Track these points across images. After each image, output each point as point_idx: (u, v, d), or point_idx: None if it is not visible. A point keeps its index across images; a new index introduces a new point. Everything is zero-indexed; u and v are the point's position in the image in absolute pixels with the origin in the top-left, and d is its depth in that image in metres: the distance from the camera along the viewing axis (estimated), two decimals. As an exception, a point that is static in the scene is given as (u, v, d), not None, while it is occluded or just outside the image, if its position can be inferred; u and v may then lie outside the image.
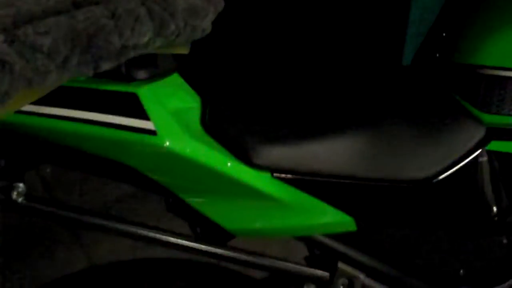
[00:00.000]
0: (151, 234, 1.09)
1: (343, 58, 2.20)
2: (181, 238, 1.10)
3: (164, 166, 1.00)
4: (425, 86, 1.22)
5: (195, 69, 1.14)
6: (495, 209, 1.15)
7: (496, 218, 1.16)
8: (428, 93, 1.19)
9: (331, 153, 1.07)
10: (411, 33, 2.21)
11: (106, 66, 0.85)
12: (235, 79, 1.23)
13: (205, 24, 0.95)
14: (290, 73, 1.29)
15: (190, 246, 1.11)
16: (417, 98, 1.19)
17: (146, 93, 0.94)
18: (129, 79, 0.94)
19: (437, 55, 1.27)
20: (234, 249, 1.13)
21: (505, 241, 1.22)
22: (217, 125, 1.04)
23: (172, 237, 1.10)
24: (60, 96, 0.92)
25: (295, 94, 1.18)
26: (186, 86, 1.06)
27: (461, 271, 1.23)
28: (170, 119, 0.96)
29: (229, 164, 1.02)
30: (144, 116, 0.93)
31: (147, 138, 0.94)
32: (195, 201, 1.07)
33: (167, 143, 0.95)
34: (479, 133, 1.13)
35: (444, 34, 1.31)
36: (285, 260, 1.15)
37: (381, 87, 1.23)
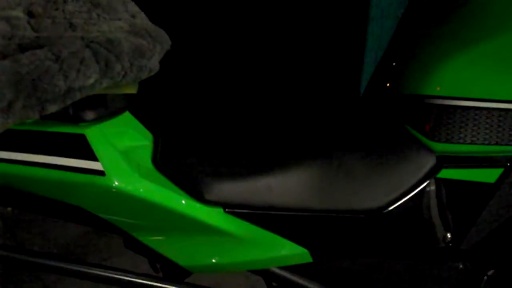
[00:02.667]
0: (111, 274, 1.09)
1: (300, 88, 2.21)
2: (140, 277, 1.10)
3: (114, 206, 1.00)
4: (377, 118, 1.23)
5: (147, 107, 1.14)
6: (448, 235, 1.16)
7: (450, 245, 1.17)
8: (380, 125, 1.21)
9: (282, 187, 1.08)
10: (368, 62, 2.24)
11: (52, 108, 0.85)
12: (186, 116, 1.24)
13: (152, 64, 0.96)
14: (241, 108, 1.30)
15: (149, 284, 1.10)
16: (369, 129, 1.20)
17: (94, 134, 0.94)
18: (77, 120, 0.94)
19: (387, 85, 1.29)
20: (191, 285, 1.13)
21: (461, 266, 1.23)
22: (168, 162, 1.04)
23: (132, 277, 1.09)
24: (7, 139, 0.92)
25: (246, 129, 1.19)
26: (137, 124, 1.06)
27: (419, 298, 1.24)
28: (119, 159, 0.96)
29: (180, 201, 1.02)
30: (93, 156, 0.94)
31: (96, 179, 0.94)
32: (149, 239, 1.07)
33: (116, 183, 0.95)
34: (430, 162, 1.14)
35: (393, 64, 1.33)
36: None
37: (333, 119, 1.24)
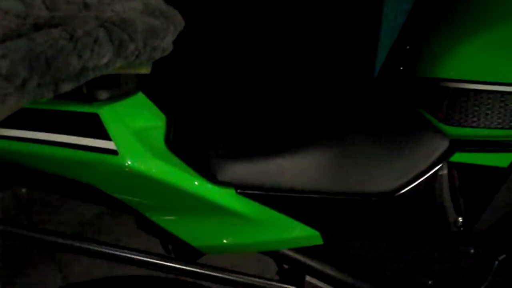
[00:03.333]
0: (124, 254, 1.10)
1: (315, 71, 2.20)
2: (153, 257, 1.11)
3: (127, 185, 1.01)
4: (390, 100, 1.23)
5: (160, 87, 1.15)
6: (460, 220, 1.16)
7: (461, 229, 1.17)
8: (393, 107, 1.21)
9: (295, 168, 1.08)
10: (383, 45, 2.23)
11: (66, 87, 0.86)
12: (200, 96, 1.24)
13: (165, 44, 0.96)
14: (255, 89, 1.30)
15: (162, 264, 1.11)
16: (382, 112, 1.20)
17: (107, 113, 0.95)
18: (91, 99, 0.95)
19: (401, 68, 1.29)
20: (202, 265, 1.13)
21: (472, 251, 1.23)
22: (180, 143, 1.05)
23: (145, 256, 1.10)
24: (21, 118, 0.93)
25: (259, 110, 1.19)
26: (150, 105, 1.07)
27: (430, 282, 1.24)
28: (132, 139, 0.96)
29: (193, 181, 1.03)
30: (106, 136, 0.94)
31: (108, 158, 0.95)
32: (161, 219, 1.07)
33: (129, 162, 0.95)
34: (443, 146, 1.14)
35: (407, 47, 1.32)
36: (253, 275, 1.16)
37: (346, 101, 1.24)
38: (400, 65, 1.30)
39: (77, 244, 1.07)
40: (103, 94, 0.96)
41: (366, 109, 1.21)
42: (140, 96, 1.03)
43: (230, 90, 1.28)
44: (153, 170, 0.98)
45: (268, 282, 1.18)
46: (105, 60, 0.87)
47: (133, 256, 1.09)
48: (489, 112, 1.12)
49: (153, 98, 1.08)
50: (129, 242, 2.33)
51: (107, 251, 1.08)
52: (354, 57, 2.20)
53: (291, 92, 1.28)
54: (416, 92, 1.20)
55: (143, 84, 1.04)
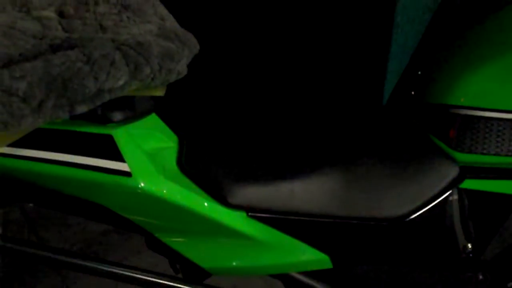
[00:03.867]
0: (130, 274, 1.10)
1: (322, 96, 2.21)
2: (159, 277, 1.11)
3: (139, 206, 1.01)
4: (401, 126, 1.23)
5: (173, 109, 1.15)
6: (469, 246, 1.16)
7: (471, 255, 1.17)
8: (404, 133, 1.21)
9: (306, 192, 1.08)
10: (391, 70, 2.23)
11: (81, 109, 0.86)
12: (212, 119, 1.25)
13: (180, 67, 0.97)
14: (267, 114, 1.31)
15: (168, 285, 1.11)
16: (393, 137, 1.20)
17: (121, 135, 0.95)
18: (105, 121, 0.96)
19: (412, 93, 1.29)
20: (211, 287, 1.13)
21: (481, 277, 1.23)
22: (192, 165, 1.05)
23: (151, 276, 1.10)
24: (36, 138, 0.93)
25: (271, 134, 1.20)
26: (163, 126, 1.07)
27: (438, 307, 1.24)
28: (145, 160, 0.97)
29: (204, 204, 1.03)
30: (119, 157, 0.95)
31: (122, 179, 0.95)
32: (171, 241, 1.08)
33: (142, 184, 0.96)
34: (453, 172, 1.14)
35: (419, 73, 1.33)
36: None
37: (357, 127, 1.25)
38: (411, 90, 1.30)
39: (82, 262, 1.08)
40: (118, 116, 0.96)
41: (377, 134, 1.21)
42: (153, 117, 1.04)
43: (242, 113, 1.28)
44: (165, 192, 0.98)
45: None
46: (121, 82, 0.88)
47: (139, 276, 1.09)
48: (499, 139, 1.13)
49: (165, 119, 1.08)
50: (136, 259, 2.34)
51: (112, 270, 1.09)
52: (362, 81, 2.20)
53: (302, 116, 1.28)
54: (426, 118, 1.20)
55: (157, 105, 1.05)
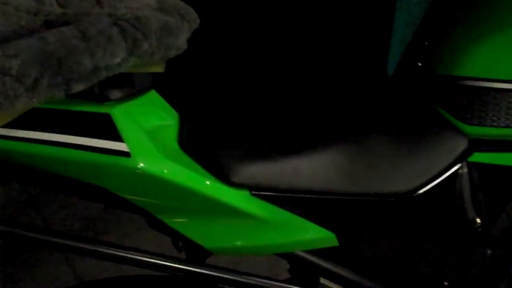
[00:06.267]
0: (131, 255, 1.07)
1: (326, 68, 2.17)
2: (160, 259, 1.08)
3: (139, 187, 0.99)
4: (407, 98, 1.21)
5: (173, 85, 1.12)
6: (478, 220, 1.14)
7: (479, 230, 1.15)
8: (410, 106, 1.18)
9: (310, 169, 1.06)
10: (395, 41, 2.19)
11: (78, 87, 0.83)
12: (214, 95, 1.22)
13: (180, 42, 0.94)
14: (269, 89, 1.28)
15: (170, 266, 1.09)
16: (399, 111, 1.18)
17: (119, 113, 0.92)
18: (103, 99, 0.93)
19: (419, 64, 1.26)
20: (212, 267, 1.11)
21: (489, 252, 1.21)
22: (194, 143, 1.02)
23: (151, 258, 1.08)
24: (31, 118, 0.91)
25: (274, 110, 1.17)
26: (163, 103, 1.04)
27: (446, 283, 1.22)
28: (145, 139, 0.94)
29: (206, 183, 1.00)
30: (118, 137, 0.92)
31: (120, 160, 0.92)
32: (172, 221, 1.06)
33: (141, 165, 0.93)
34: (462, 145, 1.12)
35: (426, 43, 1.29)
36: (265, 277, 1.14)
37: (362, 100, 1.22)
38: (418, 61, 1.27)
39: (82, 245, 1.05)
40: (116, 94, 0.93)
41: (383, 108, 1.19)
42: (153, 94, 1.01)
43: (245, 88, 1.25)
44: (166, 172, 0.96)
45: (282, 285, 1.16)
46: (118, 59, 0.85)
47: (139, 258, 1.07)
48: (509, 111, 1.10)
49: (166, 96, 1.05)
50: (139, 236, 2.33)
51: (113, 252, 1.06)
52: (365, 52, 2.17)
53: (306, 91, 1.25)
54: (434, 90, 1.17)
55: (156, 82, 1.02)
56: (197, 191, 0.99)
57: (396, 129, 1.13)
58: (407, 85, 1.25)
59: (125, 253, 1.06)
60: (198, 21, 0.97)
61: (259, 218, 1.05)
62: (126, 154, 0.92)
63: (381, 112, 1.17)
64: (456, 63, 1.13)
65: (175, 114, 1.06)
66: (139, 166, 0.93)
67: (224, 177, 1.02)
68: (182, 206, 1.03)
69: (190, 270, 1.10)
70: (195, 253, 1.16)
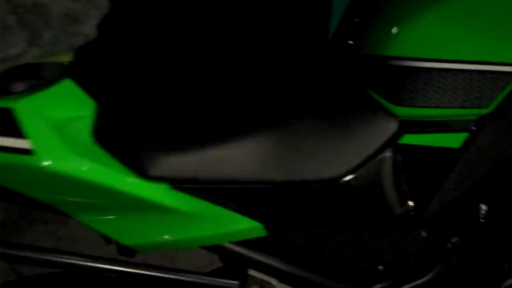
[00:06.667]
0: (53, 258, 1.02)
1: (264, 36, 2.10)
2: (87, 260, 1.04)
3: (47, 186, 0.93)
4: (337, 79, 1.16)
5: (92, 72, 1.06)
6: (410, 204, 1.11)
7: (412, 213, 1.12)
8: (339, 87, 1.14)
9: (233, 158, 1.02)
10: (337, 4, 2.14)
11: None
12: (133, 84, 1.16)
13: (87, 30, 0.88)
14: (190, 73, 1.22)
15: (94, 266, 1.04)
16: (327, 93, 1.14)
17: (22, 108, 0.86)
18: (4, 92, 0.86)
19: (350, 42, 1.22)
20: (140, 265, 1.07)
21: (424, 234, 1.19)
22: (109, 135, 0.97)
23: (78, 260, 1.03)
24: None
25: (195, 98, 1.11)
26: (78, 92, 0.98)
27: (380, 267, 1.19)
28: (51, 135, 0.88)
29: (121, 178, 0.95)
30: (20, 133, 0.86)
31: (23, 158, 0.86)
32: (90, 219, 1.00)
33: (46, 163, 0.87)
34: (392, 128, 1.09)
35: (356, 20, 1.25)
36: (192, 272, 1.09)
37: (289, 82, 1.17)
38: (349, 39, 1.23)
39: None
40: (19, 86, 0.87)
41: (310, 90, 1.14)
42: (67, 83, 0.95)
43: (165, 75, 1.19)
44: (75, 169, 0.90)
45: (208, 278, 1.12)
46: (16, 50, 0.79)
47: (64, 260, 1.02)
48: (440, 91, 1.07)
49: (83, 84, 0.99)
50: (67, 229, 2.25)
51: (37, 256, 1.01)
52: (307, 15, 2.10)
53: (229, 76, 1.20)
54: (363, 70, 1.13)
55: (71, 70, 0.95)
56: (111, 188, 0.94)
57: (323, 112, 1.09)
58: (337, 65, 1.21)
59: (51, 256, 1.01)
60: (107, 5, 0.91)
61: (181, 211, 1.00)
62: (29, 152, 0.86)
63: (308, 95, 1.13)
64: (385, 42, 1.10)
65: (92, 104, 1.00)
66: (44, 164, 0.87)
67: (141, 170, 0.97)
68: (96, 203, 0.98)
69: (116, 270, 1.06)
70: (124, 247, 1.11)
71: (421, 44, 1.08)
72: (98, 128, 0.97)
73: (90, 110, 0.99)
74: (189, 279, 1.09)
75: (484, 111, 1.09)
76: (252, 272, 1.12)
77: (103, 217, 1.00)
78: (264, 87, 1.15)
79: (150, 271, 1.07)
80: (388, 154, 1.09)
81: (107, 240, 1.12)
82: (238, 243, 1.10)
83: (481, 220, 1.16)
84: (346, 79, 1.15)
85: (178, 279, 1.08)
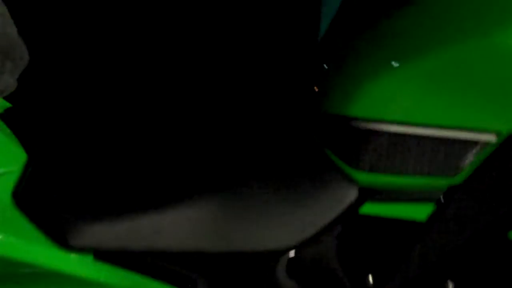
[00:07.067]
0: None
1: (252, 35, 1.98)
2: None
3: None
4: (294, 137, 1.07)
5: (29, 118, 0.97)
6: (370, 279, 1.03)
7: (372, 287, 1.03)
8: (296, 147, 1.06)
9: (167, 227, 0.93)
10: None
11: None
12: (65, 136, 1.07)
13: (2, 85, 0.79)
14: (131, 127, 1.13)
15: None
16: (283, 153, 1.06)
17: None
18: None
19: (316, 89, 1.13)
20: None
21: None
22: (30, 196, 0.88)
23: None
24: None
25: (133, 157, 1.02)
26: (8, 143, 0.89)
27: None
28: None
29: (38, 250, 0.87)
30: None
31: None
32: None
33: None
34: (351, 195, 1.00)
35: (325, 67, 1.16)
36: None
37: (243, 139, 1.08)
38: (315, 84, 1.14)
39: None
40: None
41: (265, 148, 1.05)
42: None
43: (102, 128, 1.10)
44: None
45: None
46: None
47: None
48: (405, 157, 0.99)
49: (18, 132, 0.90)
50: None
51: None
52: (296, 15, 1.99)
53: (178, 129, 1.11)
54: (324, 130, 1.05)
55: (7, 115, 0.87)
56: (25, 260, 0.85)
57: (274, 176, 1.01)
58: (298, 120, 1.12)
59: None
60: (26, 58, 0.82)
61: (105, 285, 0.91)
62: None
63: (261, 153, 1.05)
64: (347, 102, 1.02)
65: (20, 157, 0.90)
66: None
67: (62, 240, 0.87)
68: (9, 279, 0.89)
69: None
70: None
71: (386, 105, 1.00)
72: (20, 187, 0.87)
73: (17, 165, 0.90)
74: None
75: (453, 181, 1.00)
76: None
77: None
78: (215, 145, 1.06)
79: None
80: (347, 223, 1.01)
81: None
82: None
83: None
84: (305, 138, 1.07)
85: None
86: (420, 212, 1.03)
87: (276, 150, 1.07)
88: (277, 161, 1.04)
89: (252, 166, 1.02)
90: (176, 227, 0.93)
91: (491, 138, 0.98)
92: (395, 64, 1.00)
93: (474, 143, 0.99)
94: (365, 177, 1.00)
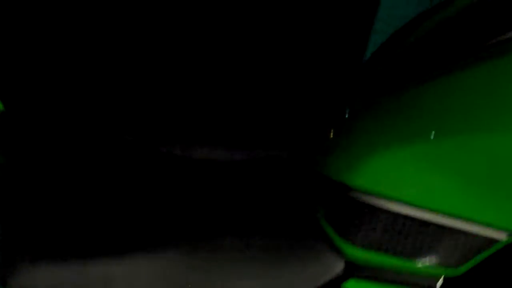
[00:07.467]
0: None
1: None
2: None
3: None
4: (288, 198, 1.01)
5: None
6: None
7: None
8: (291, 211, 0.99)
9: (119, 277, 0.86)
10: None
11: None
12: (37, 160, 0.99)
13: None
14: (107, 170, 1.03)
15: None
16: (274, 215, 0.98)
17: None
18: None
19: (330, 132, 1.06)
20: None
21: None
22: None
23: None
24: None
25: (105, 202, 0.94)
26: None
27: None
28: None
29: None
30: None
31: None
32: None
33: None
34: (336, 268, 0.94)
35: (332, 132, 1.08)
36: None
37: (238, 200, 1.00)
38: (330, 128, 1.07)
39: None
40: None
41: (255, 210, 0.98)
42: None
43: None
44: None
45: None
46: None
47: None
48: (402, 239, 0.92)
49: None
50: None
51: None
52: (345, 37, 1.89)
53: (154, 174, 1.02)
54: (322, 193, 0.99)
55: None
56: None
57: (262, 239, 0.94)
58: (296, 180, 1.04)
59: None
60: None
61: None
62: None
63: (249, 215, 0.98)
64: (349, 171, 0.94)
65: None
66: None
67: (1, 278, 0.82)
68: None
69: None
70: None
71: (390, 181, 0.92)
72: None
73: None
74: None
75: (453, 272, 0.94)
76: None
77: None
78: (203, 200, 0.99)
79: None
80: None
81: None
82: None
83: None
84: (299, 199, 1.01)
85: None
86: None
87: (272, 213, 0.99)
88: (270, 226, 0.97)
89: (241, 227, 0.95)
90: (132, 278, 0.87)
91: (501, 236, 0.91)
92: (404, 142, 0.92)
93: (483, 238, 0.91)
94: (354, 252, 0.94)
